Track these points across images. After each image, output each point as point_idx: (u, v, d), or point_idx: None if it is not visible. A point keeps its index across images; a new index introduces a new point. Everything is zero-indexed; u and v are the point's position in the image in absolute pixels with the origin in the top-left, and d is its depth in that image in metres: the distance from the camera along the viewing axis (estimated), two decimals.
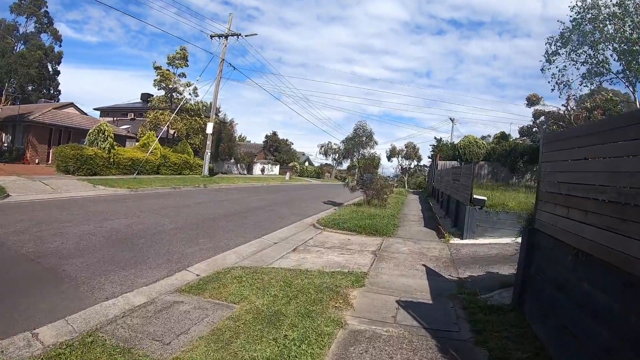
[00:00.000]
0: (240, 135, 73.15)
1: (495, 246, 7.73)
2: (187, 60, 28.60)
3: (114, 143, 20.73)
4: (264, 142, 50.02)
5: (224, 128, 28.06)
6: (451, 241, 8.34)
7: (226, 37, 23.17)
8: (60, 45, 51.82)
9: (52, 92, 52.96)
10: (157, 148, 22.95)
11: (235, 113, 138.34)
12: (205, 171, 22.69)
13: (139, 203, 11.30)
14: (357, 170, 13.64)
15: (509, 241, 8.12)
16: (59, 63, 51.33)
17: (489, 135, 35.74)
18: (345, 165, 47.09)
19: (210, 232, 8.07)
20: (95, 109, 46.16)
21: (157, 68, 28.05)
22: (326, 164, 54.73)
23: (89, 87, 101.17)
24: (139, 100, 40.84)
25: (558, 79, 18.24)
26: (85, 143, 19.84)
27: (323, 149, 46.76)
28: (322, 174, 55.48)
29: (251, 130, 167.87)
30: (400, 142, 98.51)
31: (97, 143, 20.00)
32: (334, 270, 5.66)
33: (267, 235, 8.33)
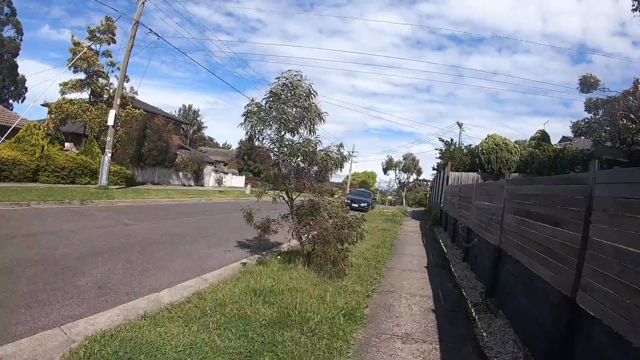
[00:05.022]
0: (226, 143, 66.15)
1: None
2: (114, 35, 21.49)
3: None
4: (237, 149, 42.34)
5: (151, 122, 20.45)
6: None
7: None
8: (21, 39, 45.97)
9: (19, 88, 46.78)
10: (35, 145, 15.56)
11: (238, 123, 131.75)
12: (103, 180, 15.14)
13: None
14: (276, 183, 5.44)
15: None
16: (15, 56, 45.19)
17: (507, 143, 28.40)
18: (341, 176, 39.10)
19: None
20: (42, 105, 39.87)
21: (76, 44, 20.99)
22: None
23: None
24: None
25: None
26: None
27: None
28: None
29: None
30: (397, 154, 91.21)
31: None
32: None
33: None
